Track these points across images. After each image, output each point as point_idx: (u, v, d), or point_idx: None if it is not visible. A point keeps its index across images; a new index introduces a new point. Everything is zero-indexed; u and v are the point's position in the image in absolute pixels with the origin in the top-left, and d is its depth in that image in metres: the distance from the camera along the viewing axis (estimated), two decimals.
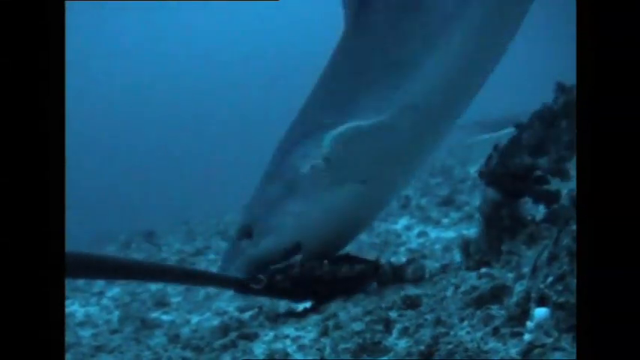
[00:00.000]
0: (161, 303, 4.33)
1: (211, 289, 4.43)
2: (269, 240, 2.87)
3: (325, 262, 2.71)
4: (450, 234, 4.78)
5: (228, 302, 3.98)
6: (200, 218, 9.13)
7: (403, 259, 3.91)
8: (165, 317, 4.02)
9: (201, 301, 4.20)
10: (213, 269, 5.10)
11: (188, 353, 2.76)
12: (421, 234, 4.98)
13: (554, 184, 2.75)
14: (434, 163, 7.43)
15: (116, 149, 27.95)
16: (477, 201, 4.08)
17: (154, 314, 4.10)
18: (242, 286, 2.52)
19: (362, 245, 4.77)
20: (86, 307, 4.49)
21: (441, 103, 2.81)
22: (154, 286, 4.91)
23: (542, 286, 1.70)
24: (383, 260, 2.97)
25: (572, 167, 2.62)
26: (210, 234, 7.36)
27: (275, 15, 30.78)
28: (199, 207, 10.66)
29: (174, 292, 4.67)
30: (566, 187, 2.70)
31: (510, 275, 2.21)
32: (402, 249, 4.58)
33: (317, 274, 2.64)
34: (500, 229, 2.64)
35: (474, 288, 2.13)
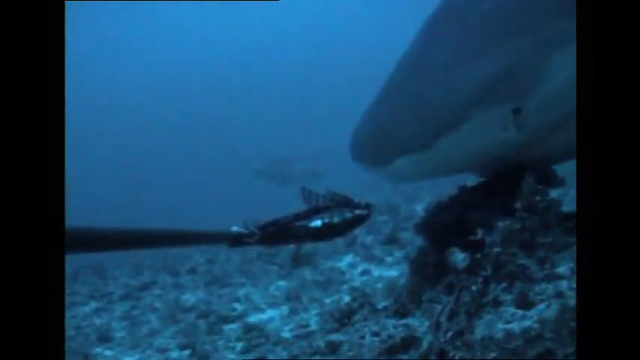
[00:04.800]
0: (104, 338, 4.37)
1: (155, 325, 4.50)
2: None
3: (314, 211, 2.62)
4: (393, 272, 4.91)
5: (169, 339, 4.05)
6: (147, 253, 8.98)
7: (346, 298, 4.05)
8: (107, 352, 4.07)
9: (144, 337, 4.24)
10: (158, 304, 5.19)
11: None
12: (364, 272, 5.11)
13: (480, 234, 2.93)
14: (380, 202, 7.54)
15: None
16: (420, 240, 4.22)
17: (97, 349, 4.15)
18: (237, 241, 2.49)
19: (305, 282, 4.90)
20: None
21: None
22: (98, 320, 4.95)
23: (442, 340, 1.88)
24: None
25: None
26: (157, 269, 7.35)
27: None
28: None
29: (118, 326, 4.71)
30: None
31: (427, 324, 2.35)
32: (345, 287, 4.69)
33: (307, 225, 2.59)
34: (424, 277, 2.79)
35: (390, 337, 2.27)
